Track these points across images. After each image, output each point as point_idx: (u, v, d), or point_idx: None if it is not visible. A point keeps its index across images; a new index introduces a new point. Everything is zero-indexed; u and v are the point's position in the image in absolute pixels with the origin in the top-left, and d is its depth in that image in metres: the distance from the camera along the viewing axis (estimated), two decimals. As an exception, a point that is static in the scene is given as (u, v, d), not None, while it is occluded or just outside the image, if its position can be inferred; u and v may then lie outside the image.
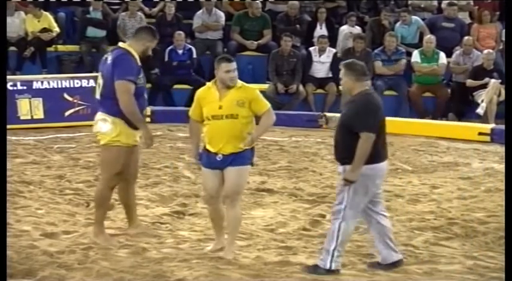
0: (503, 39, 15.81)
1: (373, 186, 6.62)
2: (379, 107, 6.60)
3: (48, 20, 16.09)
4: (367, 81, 6.75)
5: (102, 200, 7.49)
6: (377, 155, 6.54)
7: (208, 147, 7.00)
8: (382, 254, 6.83)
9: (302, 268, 6.71)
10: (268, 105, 7.09)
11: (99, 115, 7.37)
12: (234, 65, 6.95)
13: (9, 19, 15.45)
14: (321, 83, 15.86)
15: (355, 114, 6.54)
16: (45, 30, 15.94)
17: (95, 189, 9.31)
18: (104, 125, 7.31)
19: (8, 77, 14.01)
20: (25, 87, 13.79)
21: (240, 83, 7.03)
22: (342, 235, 6.58)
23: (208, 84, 7.11)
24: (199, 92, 7.13)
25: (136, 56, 7.32)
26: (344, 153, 6.56)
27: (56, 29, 16.14)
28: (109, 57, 7.33)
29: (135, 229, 7.68)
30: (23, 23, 16.01)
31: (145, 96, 7.45)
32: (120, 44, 7.57)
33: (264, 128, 7.10)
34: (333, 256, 6.58)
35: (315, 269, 6.63)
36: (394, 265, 6.79)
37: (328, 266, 6.59)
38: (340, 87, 15.40)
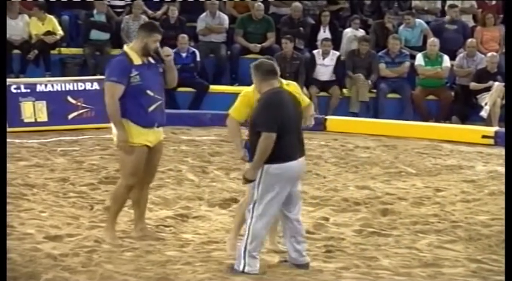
0: (507, 41, 15.80)
1: (282, 186, 6.51)
2: (281, 106, 6.51)
3: (52, 23, 16.09)
4: (274, 81, 6.64)
5: (116, 197, 7.53)
6: (283, 154, 6.47)
7: None
8: (291, 255, 6.80)
9: (224, 268, 6.64)
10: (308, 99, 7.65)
11: None
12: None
13: (13, 22, 15.50)
14: (325, 85, 15.85)
15: (257, 113, 6.55)
16: (49, 33, 15.93)
17: (99, 192, 9.38)
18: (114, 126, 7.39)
19: (12, 80, 14.05)
20: (29, 90, 13.77)
21: (284, 81, 7.06)
22: (252, 233, 6.50)
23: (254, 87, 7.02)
24: (250, 94, 7.03)
25: (133, 56, 7.35)
26: (254, 151, 6.53)
27: (60, 32, 16.14)
28: None
29: (139, 232, 7.68)
30: (26, 26, 16.01)
31: (150, 93, 7.38)
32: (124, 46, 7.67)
33: (310, 119, 7.41)
34: (244, 258, 6.51)
35: (232, 269, 6.58)
36: (300, 267, 6.73)
37: (241, 269, 6.52)
38: (344, 90, 15.82)
